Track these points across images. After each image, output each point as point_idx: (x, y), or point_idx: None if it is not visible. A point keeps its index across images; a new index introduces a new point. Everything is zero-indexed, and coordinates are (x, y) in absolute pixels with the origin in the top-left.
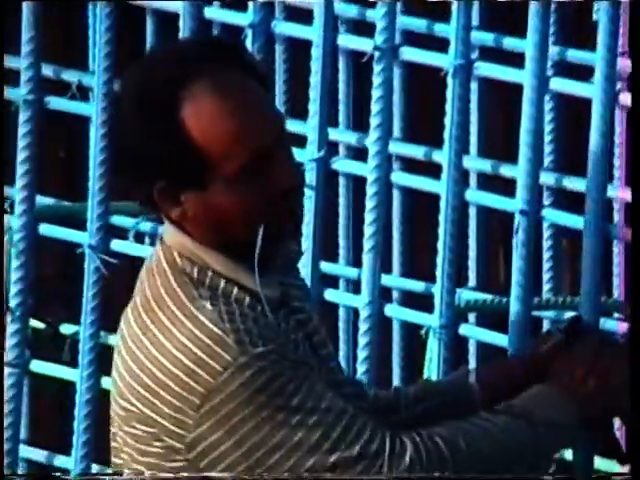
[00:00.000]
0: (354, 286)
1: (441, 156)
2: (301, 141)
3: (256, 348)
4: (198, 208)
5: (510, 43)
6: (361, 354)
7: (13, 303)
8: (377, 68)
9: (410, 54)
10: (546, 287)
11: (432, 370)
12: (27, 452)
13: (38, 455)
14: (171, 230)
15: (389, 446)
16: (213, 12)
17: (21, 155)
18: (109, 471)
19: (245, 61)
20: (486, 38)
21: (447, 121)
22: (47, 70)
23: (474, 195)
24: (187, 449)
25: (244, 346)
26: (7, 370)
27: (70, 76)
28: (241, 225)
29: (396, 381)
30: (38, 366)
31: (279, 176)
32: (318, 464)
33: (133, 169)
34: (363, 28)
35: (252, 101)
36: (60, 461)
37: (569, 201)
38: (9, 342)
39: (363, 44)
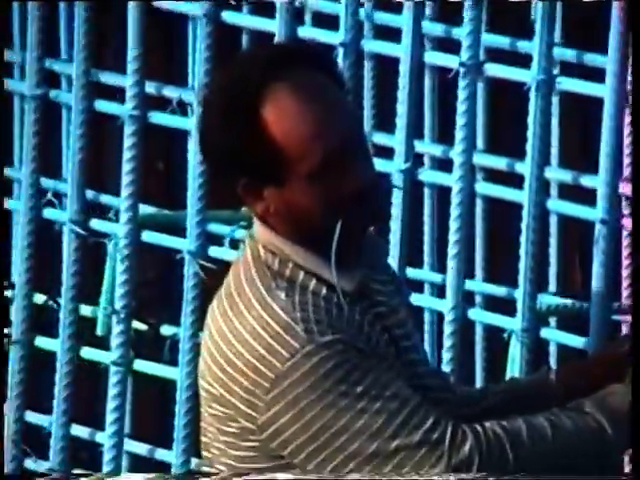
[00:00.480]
0: (439, 291)
1: (523, 167)
2: (389, 153)
3: (323, 337)
4: (279, 203)
5: (591, 59)
6: (446, 356)
7: (118, 305)
8: (462, 83)
9: (494, 70)
10: (625, 293)
11: (514, 372)
12: (131, 446)
13: (141, 449)
14: (258, 225)
15: (450, 435)
16: (306, 31)
17: (126, 167)
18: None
19: (327, 65)
20: (567, 54)
21: (529, 134)
22: (149, 87)
23: (555, 204)
24: (259, 430)
25: (312, 335)
26: (112, 369)
27: (171, 92)
28: (319, 221)
29: (479, 382)
30: (141, 365)
31: (355, 176)
32: (380, 449)
33: (219, 166)
34: (449, 45)
35: (330, 103)
36: (161, 454)
37: None
38: (114, 342)
39: (449, 60)
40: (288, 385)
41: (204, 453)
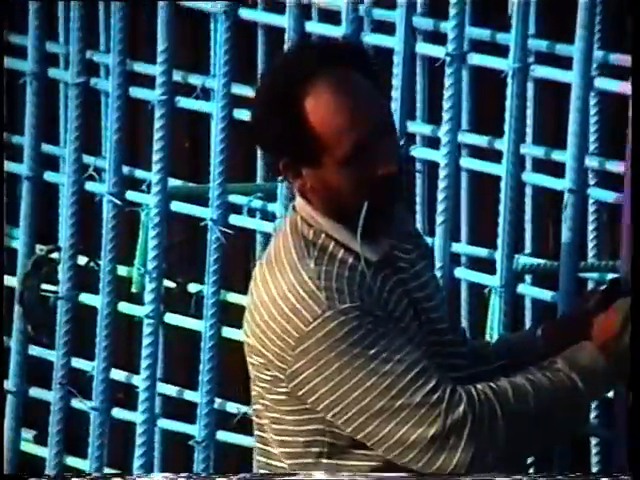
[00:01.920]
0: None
1: (501, 144)
2: None
3: (342, 304)
4: (315, 182)
5: (561, 48)
6: None
7: (150, 266)
8: (448, 71)
9: (476, 59)
10: (591, 253)
11: (494, 323)
12: (163, 388)
13: (171, 390)
14: (298, 198)
15: (448, 398)
16: (313, 26)
17: (156, 145)
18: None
19: (360, 61)
20: (541, 44)
21: (507, 115)
22: (177, 75)
23: (529, 177)
24: (288, 380)
25: (332, 302)
26: (145, 321)
27: (195, 80)
28: (348, 200)
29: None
30: (170, 318)
31: (381, 162)
32: (386, 406)
33: (266, 146)
34: (437, 37)
35: (362, 99)
36: (189, 395)
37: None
38: (147, 298)
39: (437, 51)
40: (310, 345)
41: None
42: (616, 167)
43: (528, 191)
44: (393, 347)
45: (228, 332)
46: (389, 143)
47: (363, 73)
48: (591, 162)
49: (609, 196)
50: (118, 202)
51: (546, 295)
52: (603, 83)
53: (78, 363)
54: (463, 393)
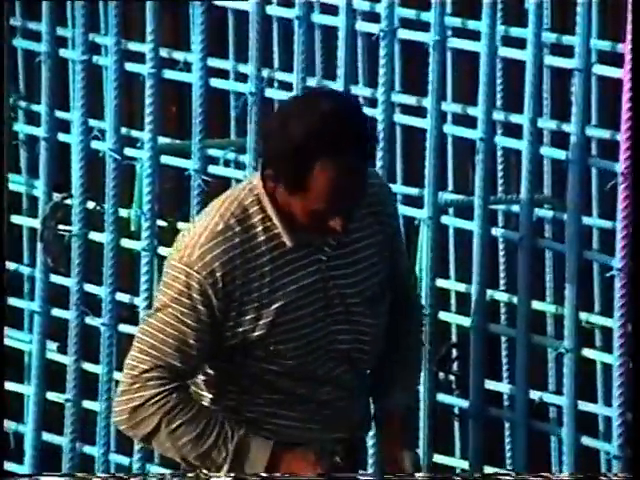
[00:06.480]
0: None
1: (427, 103)
2: None
3: (186, 259)
4: (280, 195)
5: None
6: None
7: (145, 208)
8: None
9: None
10: (500, 189)
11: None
12: None
13: None
14: (260, 185)
15: (149, 384)
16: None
17: (148, 109)
18: None
19: (365, 151)
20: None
21: (430, 80)
22: (163, 52)
23: (449, 128)
24: None
25: (188, 252)
26: (143, 253)
27: (178, 55)
28: (296, 220)
29: None
30: (163, 251)
31: (334, 225)
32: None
33: (271, 156)
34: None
35: (356, 180)
36: None
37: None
38: (143, 235)
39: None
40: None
41: None
42: (517, 119)
43: (449, 140)
44: (173, 315)
45: None
46: (348, 215)
47: (363, 160)
48: (498, 116)
49: (513, 143)
50: (118, 157)
51: (465, 224)
52: (507, 52)
53: (89, 288)
54: (162, 393)
